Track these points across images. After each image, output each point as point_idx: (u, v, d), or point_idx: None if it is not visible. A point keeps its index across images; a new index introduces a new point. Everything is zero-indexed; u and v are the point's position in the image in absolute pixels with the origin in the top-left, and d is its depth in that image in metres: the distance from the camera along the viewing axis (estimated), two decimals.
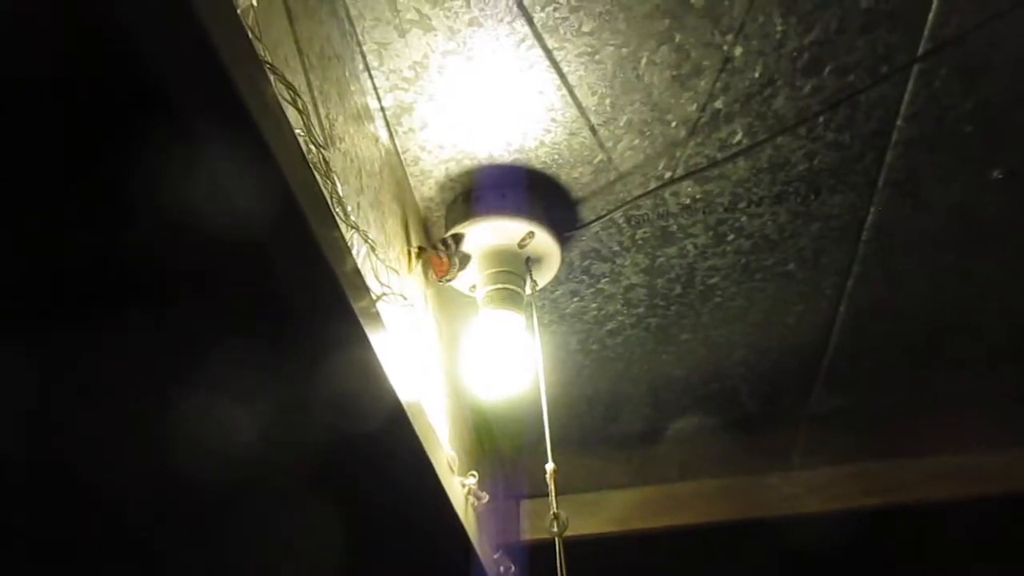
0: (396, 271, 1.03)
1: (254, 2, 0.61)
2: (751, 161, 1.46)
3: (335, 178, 0.78)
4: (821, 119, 1.40)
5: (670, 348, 1.96)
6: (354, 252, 0.84)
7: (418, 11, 1.18)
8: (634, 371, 2.04)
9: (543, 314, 1.80)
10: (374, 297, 0.88)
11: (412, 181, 1.45)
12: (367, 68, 1.25)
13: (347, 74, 1.15)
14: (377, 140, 1.27)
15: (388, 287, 0.93)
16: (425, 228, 1.53)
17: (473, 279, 1.46)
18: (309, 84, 0.95)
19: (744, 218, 1.59)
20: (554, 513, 1.19)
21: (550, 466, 1.25)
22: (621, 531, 2.54)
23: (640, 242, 1.63)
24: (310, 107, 0.93)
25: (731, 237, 1.63)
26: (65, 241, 0.78)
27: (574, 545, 2.56)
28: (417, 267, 1.38)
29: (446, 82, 1.28)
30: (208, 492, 0.99)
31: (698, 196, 1.53)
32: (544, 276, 1.53)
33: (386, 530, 1.22)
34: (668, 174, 1.47)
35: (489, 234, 1.42)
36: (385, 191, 1.26)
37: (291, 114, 0.68)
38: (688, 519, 2.52)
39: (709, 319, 1.87)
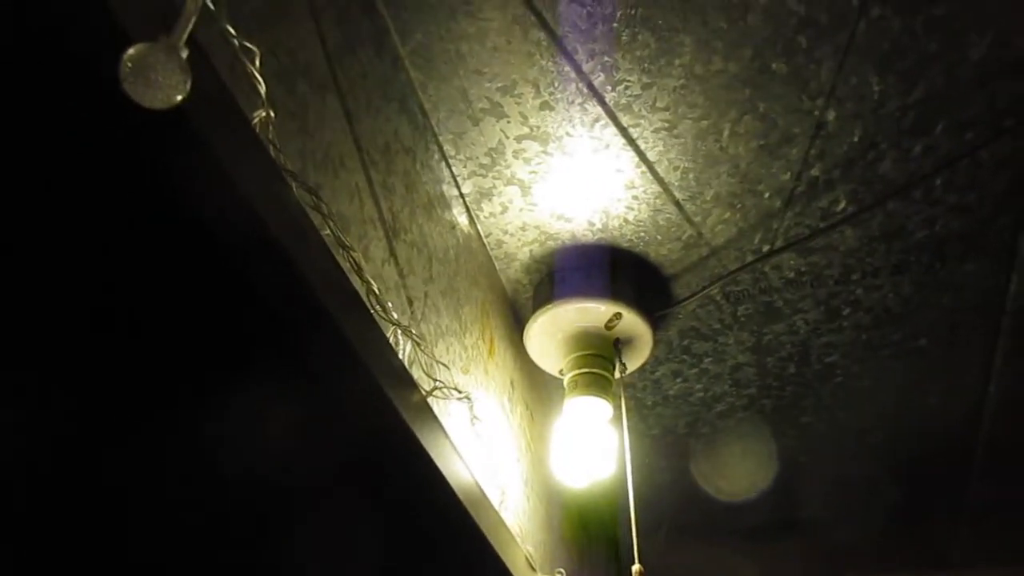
0: (448, 367, 1.01)
1: (271, 113, 0.62)
2: (860, 230, 1.34)
3: (370, 277, 0.78)
4: (938, 180, 1.26)
5: (791, 431, 1.80)
6: (399, 349, 0.83)
7: (489, 100, 1.19)
8: (750, 458, 1.89)
9: (645, 396, 1.71)
10: (424, 392, 0.85)
11: (497, 264, 1.44)
12: (444, 157, 1.27)
13: (418, 166, 1.17)
14: (454, 227, 1.28)
15: (440, 382, 0.91)
16: (514, 310, 1.51)
17: (560, 363, 1.42)
18: (369, 179, 0.97)
19: (860, 290, 1.45)
20: None
21: (636, 567, 1.15)
22: None
23: (743, 319, 1.52)
24: (368, 201, 0.95)
25: (847, 311, 1.49)
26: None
27: None
28: (500, 351, 1.36)
29: (523, 166, 1.27)
30: None
31: (803, 269, 1.41)
32: (636, 359, 1.46)
33: None
34: (766, 247, 1.37)
35: (575, 316, 1.38)
36: (462, 278, 1.25)
37: (316, 218, 0.69)
38: None
39: (832, 400, 1.70)
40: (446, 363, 0.99)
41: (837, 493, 2.01)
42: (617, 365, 1.39)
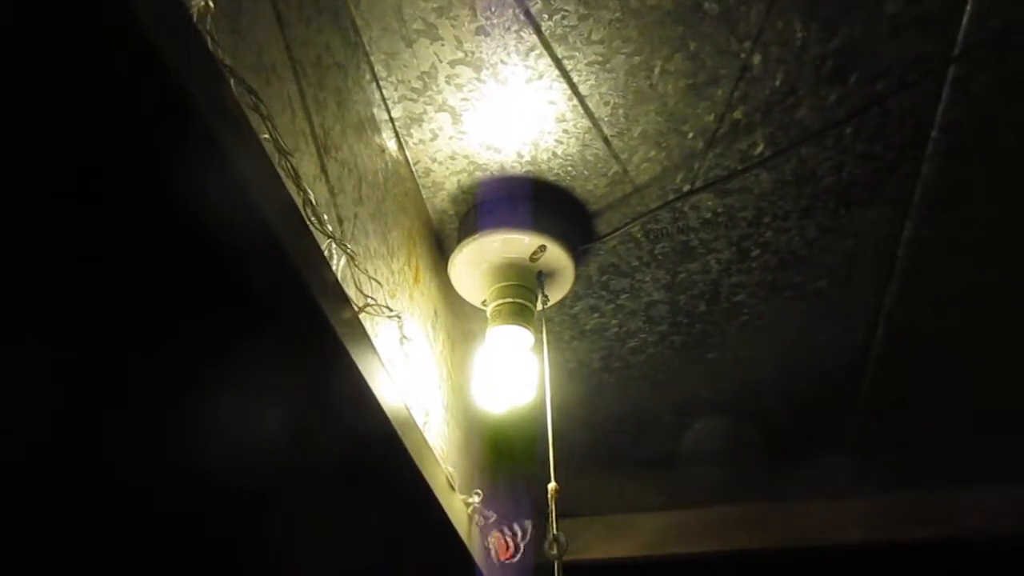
0: (381, 284, 1.00)
1: (211, 4, 0.59)
2: (775, 173, 1.40)
3: (309, 184, 0.76)
4: (848, 129, 1.33)
5: (697, 367, 1.90)
6: (333, 263, 0.82)
7: (424, 20, 1.16)
8: (660, 391, 1.98)
9: (563, 330, 1.76)
10: (356, 308, 0.85)
11: (424, 193, 1.43)
12: (375, 78, 1.24)
13: (350, 84, 1.14)
14: (383, 151, 1.26)
15: (372, 299, 0.91)
16: (438, 240, 1.51)
17: (484, 293, 1.43)
18: (301, 91, 0.94)
19: (769, 233, 1.52)
20: (553, 536, 1.14)
21: (552, 485, 1.20)
22: (652, 555, 2.47)
23: (660, 257, 1.57)
24: (300, 113, 0.92)
25: (756, 252, 1.57)
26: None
27: (603, 569, 2.50)
28: (425, 279, 1.36)
29: (455, 92, 1.26)
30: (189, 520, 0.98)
31: (719, 210, 1.47)
32: (558, 291, 1.49)
33: (385, 552, 1.19)
34: (687, 186, 1.42)
35: (500, 247, 1.39)
36: (390, 202, 1.24)
37: (254, 120, 0.67)
38: (722, 545, 2.43)
39: (736, 338, 1.80)
40: (379, 281, 0.99)
41: (733, 426, 2.14)
42: (539, 297, 1.42)
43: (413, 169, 1.38)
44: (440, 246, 1.51)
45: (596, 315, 1.72)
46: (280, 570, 1.12)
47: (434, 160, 1.37)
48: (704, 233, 1.52)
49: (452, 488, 1.20)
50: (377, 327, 0.96)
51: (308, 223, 0.75)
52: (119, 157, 0.63)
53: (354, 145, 1.11)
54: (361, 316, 0.87)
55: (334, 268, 0.82)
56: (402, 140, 1.33)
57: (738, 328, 1.77)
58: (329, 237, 0.80)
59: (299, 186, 0.74)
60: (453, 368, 1.45)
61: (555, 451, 1.26)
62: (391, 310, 0.98)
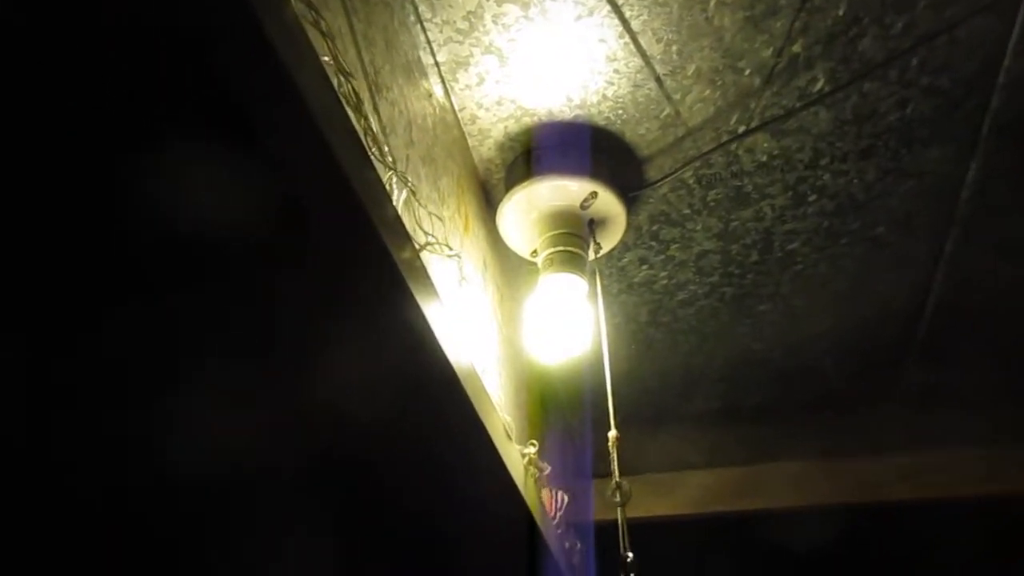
0: (441, 219, 0.97)
1: None
2: (834, 111, 1.34)
3: (368, 113, 0.73)
4: (914, 60, 1.27)
5: (747, 320, 1.85)
6: (393, 197, 0.80)
7: None
8: (709, 345, 1.94)
9: (611, 283, 1.72)
10: (417, 247, 0.83)
11: (470, 141, 1.40)
12: (419, 20, 1.20)
13: (396, 23, 1.10)
14: (431, 95, 1.23)
15: (433, 236, 0.88)
16: (485, 191, 1.48)
17: (534, 243, 1.40)
18: (351, 27, 0.91)
19: (827, 176, 1.47)
20: (616, 483, 1.12)
21: (612, 433, 1.18)
22: (697, 514, 2.45)
23: (712, 204, 1.53)
24: (351, 49, 0.89)
25: (812, 197, 1.51)
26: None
27: (647, 527, 2.48)
28: (474, 229, 1.34)
29: (502, 33, 1.22)
30: (223, 481, 0.97)
31: (775, 152, 1.42)
32: (609, 240, 1.45)
33: (441, 503, 1.18)
34: (741, 127, 1.37)
35: (550, 194, 1.36)
36: (439, 148, 1.21)
37: (315, 38, 0.64)
38: (769, 503, 2.40)
39: (789, 288, 1.75)
40: (440, 216, 0.96)
41: (784, 381, 2.10)
42: (592, 245, 1.38)
43: (459, 116, 1.35)
44: (487, 196, 1.48)
45: (645, 267, 1.68)
46: (335, 513, 1.11)
47: (480, 106, 1.34)
48: (758, 177, 1.47)
49: (509, 438, 1.18)
50: (436, 267, 0.93)
51: (369, 153, 0.72)
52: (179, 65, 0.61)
53: (403, 87, 1.08)
54: (422, 255, 0.84)
55: (394, 203, 0.80)
56: (448, 86, 1.30)
57: (791, 278, 1.72)
58: (390, 169, 0.78)
59: (360, 111, 0.71)
60: (503, 320, 1.43)
61: (614, 398, 1.23)
62: (451, 249, 0.95)
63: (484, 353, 1.20)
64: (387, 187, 0.78)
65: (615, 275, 1.70)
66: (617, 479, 1.12)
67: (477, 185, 1.44)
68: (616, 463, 1.15)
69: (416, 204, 0.87)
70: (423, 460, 1.12)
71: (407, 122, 1.07)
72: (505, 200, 1.38)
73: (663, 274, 1.70)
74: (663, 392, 2.16)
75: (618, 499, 1.10)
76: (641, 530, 2.48)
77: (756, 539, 2.41)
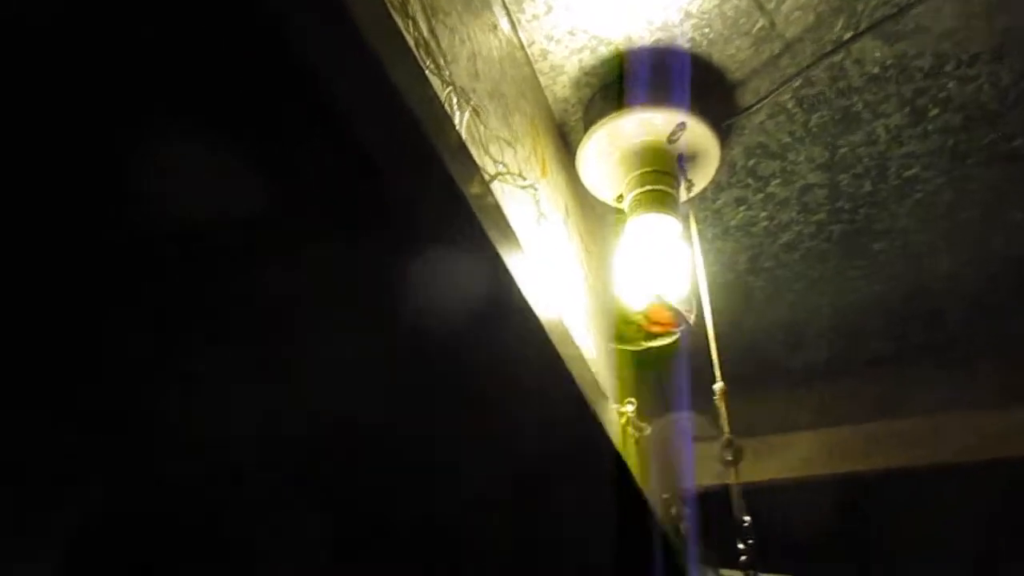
0: (512, 146, 0.87)
1: None
2: (960, 4, 1.16)
3: (424, 31, 0.64)
4: None
5: (860, 261, 1.68)
6: (456, 120, 0.70)
7: None
8: (817, 292, 1.77)
9: (705, 228, 1.58)
10: (486, 176, 0.73)
11: (542, 80, 1.29)
12: None
13: None
14: (495, 28, 1.12)
15: (503, 165, 0.78)
16: (562, 134, 1.37)
17: (619, 187, 1.28)
18: None
19: (952, 84, 1.28)
20: (727, 439, 1.00)
21: (719, 385, 1.06)
22: (808, 477, 2.28)
23: (816, 130, 1.37)
24: None
25: (934, 112, 1.33)
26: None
27: (754, 492, 2.33)
28: (552, 173, 1.23)
29: None
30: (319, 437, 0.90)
31: (888, 61, 1.24)
32: (702, 176, 1.32)
33: (536, 469, 1.09)
34: (848, 33, 1.20)
35: (634, 130, 1.23)
36: (508, 84, 1.10)
37: None
38: (885, 463, 2.21)
39: (908, 221, 1.56)
40: (508, 140, 0.86)
41: (902, 328, 1.91)
42: (683, 182, 1.25)
43: (528, 52, 1.24)
44: (564, 140, 1.37)
45: (743, 208, 1.54)
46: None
47: (551, 38, 1.22)
48: (869, 93, 1.30)
49: (604, 396, 1.08)
50: (511, 206, 0.83)
51: (422, 66, 0.62)
52: None
53: (463, 14, 0.98)
54: (493, 186, 0.74)
55: (456, 127, 0.70)
56: (513, 18, 1.19)
57: (910, 209, 1.54)
58: (448, 84, 0.68)
59: (407, 14, 0.61)
60: (589, 271, 1.32)
61: (717, 347, 1.11)
62: (524, 179, 0.85)
63: (571, 303, 1.10)
64: (447, 108, 0.68)
65: (709, 219, 1.56)
66: (728, 435, 1.00)
67: (553, 127, 1.33)
68: (726, 417, 1.03)
69: (481, 127, 0.77)
70: (517, 423, 1.03)
71: (470, 53, 0.97)
72: (584, 140, 1.26)
73: (763, 214, 1.55)
74: (766, 347, 2.00)
75: (730, 457, 0.98)
76: (746, 496, 2.34)
77: (874, 503, 2.22)
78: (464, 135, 0.69)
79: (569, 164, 1.34)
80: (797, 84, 1.28)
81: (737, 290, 1.76)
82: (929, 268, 1.70)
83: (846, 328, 1.90)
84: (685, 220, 1.24)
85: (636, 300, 1.17)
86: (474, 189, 0.73)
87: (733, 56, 1.24)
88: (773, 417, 2.30)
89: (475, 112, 0.72)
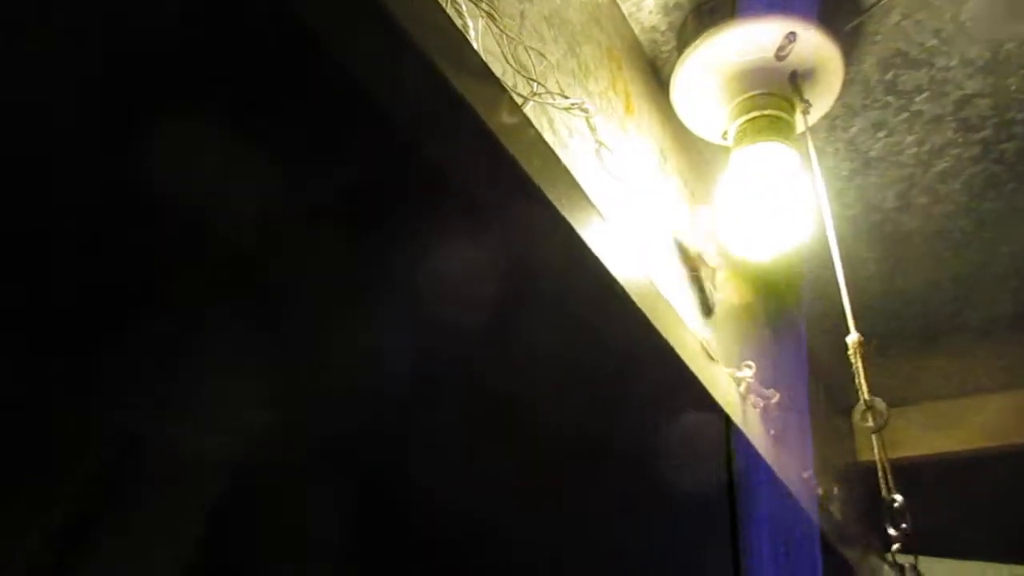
0: (548, 58, 0.73)
1: None
2: None
3: None
4: None
5: None
6: (470, 35, 0.57)
7: None
8: (990, 229, 1.49)
9: (838, 163, 1.36)
10: (518, 97, 0.60)
11: (625, 7, 1.13)
12: None
13: None
14: None
15: (538, 83, 0.64)
16: (655, 69, 1.21)
17: (723, 120, 1.11)
18: None
19: None
20: (865, 402, 0.82)
21: (853, 337, 0.87)
22: (995, 447, 1.96)
23: (970, 24, 1.11)
24: None
25: None
26: None
27: (933, 466, 2.04)
28: (642, 112, 1.07)
29: None
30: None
31: None
32: (824, 96, 1.11)
33: (635, 441, 0.96)
34: None
35: (733, 47, 1.05)
36: (574, 10, 0.96)
37: None
38: None
39: None
40: (544, 52, 0.72)
41: None
42: (799, 104, 1.06)
43: None
44: (658, 75, 1.21)
45: (883, 133, 1.30)
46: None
47: None
48: None
49: (711, 358, 0.92)
50: (573, 143, 0.70)
51: None
52: None
53: None
54: (528, 110, 0.62)
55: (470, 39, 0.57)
56: None
57: None
58: None
59: None
60: (693, 219, 1.15)
61: (857, 306, 0.91)
62: (569, 99, 0.71)
63: (661, 257, 0.95)
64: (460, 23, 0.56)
65: (843, 151, 1.33)
66: (866, 397, 0.81)
67: (641, 60, 1.17)
68: (863, 376, 0.84)
69: (505, 38, 0.63)
70: (601, 395, 0.90)
71: None
72: (676, 69, 1.10)
73: (910, 139, 1.30)
74: (935, 300, 1.72)
75: (871, 422, 0.80)
76: (917, 472, 2.05)
77: None
78: (482, 51, 0.57)
79: (665, 102, 1.17)
80: None
81: (887, 233, 1.51)
82: None
83: None
84: (804, 146, 1.04)
85: (745, 247, 1.00)
86: (504, 118, 0.61)
87: None
88: (949, 380, 2.00)
89: (490, 18, 0.59)
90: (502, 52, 0.60)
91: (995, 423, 1.97)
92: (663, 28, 1.16)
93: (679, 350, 0.83)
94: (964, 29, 1.12)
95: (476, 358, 0.85)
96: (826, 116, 1.25)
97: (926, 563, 1.95)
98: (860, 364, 0.83)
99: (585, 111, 0.71)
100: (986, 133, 1.28)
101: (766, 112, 1.03)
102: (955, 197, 1.42)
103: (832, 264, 1.02)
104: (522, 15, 0.81)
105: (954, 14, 1.10)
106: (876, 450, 0.80)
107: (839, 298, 1.08)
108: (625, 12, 1.14)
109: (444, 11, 0.53)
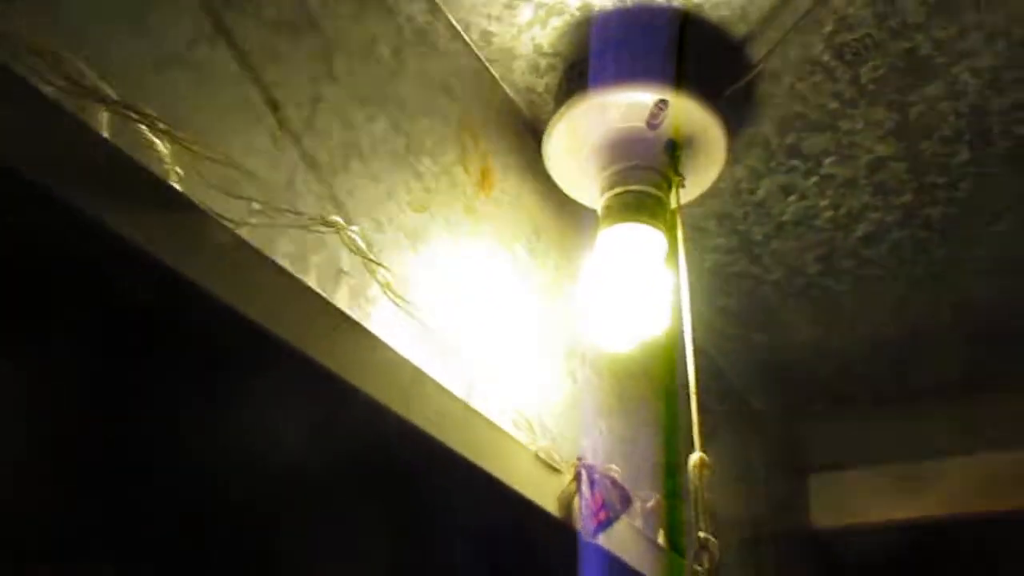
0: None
1: None
2: None
3: None
4: None
5: (976, 248, 1.27)
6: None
7: None
8: (927, 291, 1.38)
9: (751, 227, 1.26)
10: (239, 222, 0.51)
11: (496, 70, 1.04)
12: None
13: None
14: (403, 17, 0.89)
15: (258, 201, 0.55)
16: (534, 130, 1.11)
17: (596, 189, 1.01)
18: None
19: None
20: (699, 539, 0.71)
21: (695, 456, 0.75)
22: (959, 514, 1.83)
23: (872, 87, 1.01)
24: None
25: None
26: None
27: (890, 532, 1.92)
28: (505, 186, 0.99)
29: None
30: None
31: None
32: (707, 168, 1.01)
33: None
34: None
35: (599, 117, 0.96)
36: (409, 83, 0.88)
37: None
38: None
39: None
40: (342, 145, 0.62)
41: None
42: (673, 178, 0.96)
43: (466, 37, 1.00)
44: (534, 131, 1.11)
45: (794, 197, 1.20)
46: None
47: (489, 17, 0.97)
48: (937, 28, 0.94)
49: (553, 468, 0.82)
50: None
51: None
52: None
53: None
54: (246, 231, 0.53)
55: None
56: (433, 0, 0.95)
57: None
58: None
59: None
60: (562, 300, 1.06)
61: (698, 402, 0.81)
62: (297, 215, 0.60)
63: (508, 355, 0.86)
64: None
65: (753, 215, 1.24)
66: (701, 533, 0.71)
67: (520, 127, 1.08)
68: (701, 502, 0.72)
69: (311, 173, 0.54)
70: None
71: (324, 47, 0.75)
72: (546, 137, 1.01)
73: (824, 203, 1.20)
74: (876, 363, 1.61)
75: (702, 566, 0.69)
76: (876, 539, 1.92)
77: None
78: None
79: (543, 168, 1.08)
80: (828, 30, 0.95)
81: (815, 298, 1.41)
82: None
83: (978, 332, 1.48)
84: (674, 218, 0.94)
85: (602, 338, 0.90)
86: (219, 237, 0.52)
87: (731, 5, 0.93)
88: (914, 443, 1.87)
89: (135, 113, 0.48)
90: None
91: (958, 489, 1.84)
92: (540, 89, 1.07)
93: (497, 471, 0.73)
94: (866, 90, 1.02)
95: None
96: (731, 179, 1.16)
97: None
98: (701, 490, 0.73)
99: (333, 225, 0.61)
100: (906, 199, 1.18)
101: (632, 188, 0.93)
102: (882, 262, 1.31)
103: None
104: (317, 100, 0.73)
105: (852, 77, 1.00)
106: None
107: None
108: (498, 75, 1.05)
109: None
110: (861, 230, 1.25)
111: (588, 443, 0.95)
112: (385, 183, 0.77)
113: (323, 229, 0.58)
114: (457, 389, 0.73)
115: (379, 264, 0.65)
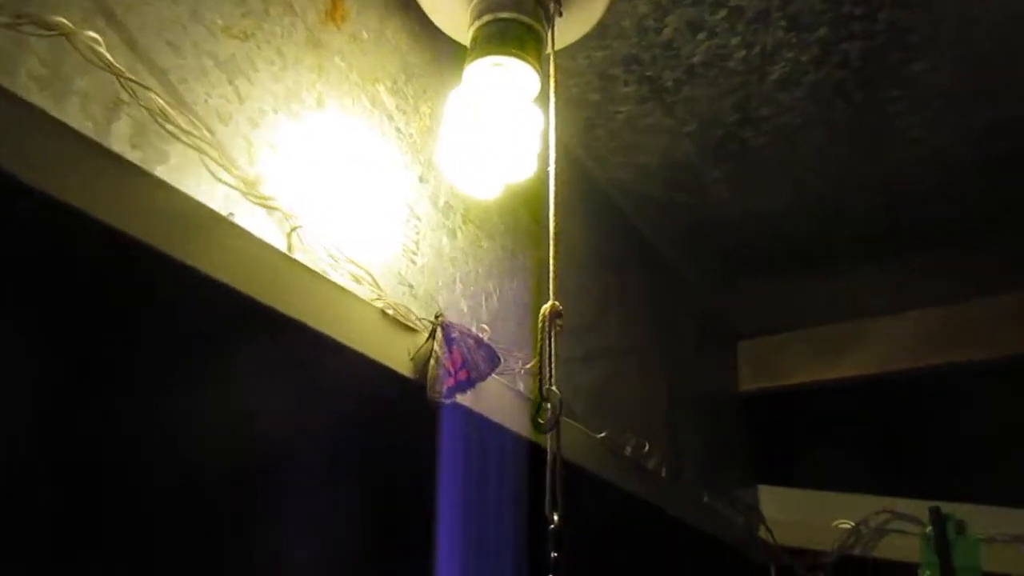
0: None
1: None
2: None
3: None
4: None
5: (896, 90, 1.19)
6: None
7: None
8: (846, 139, 1.30)
9: (661, 72, 1.15)
10: None
11: None
12: None
13: None
14: None
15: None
16: None
17: (467, 20, 0.90)
18: None
19: None
20: (543, 391, 0.65)
21: (548, 305, 0.69)
22: (887, 372, 1.84)
23: None
24: None
25: None
26: None
27: (820, 393, 1.93)
28: (362, 19, 0.87)
29: None
30: None
31: None
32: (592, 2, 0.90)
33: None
34: None
35: None
36: None
37: None
38: (990, 352, 1.71)
39: (957, 21, 1.06)
40: None
41: (984, 180, 1.39)
42: (552, 5, 0.85)
43: None
44: None
45: (703, 36, 1.09)
46: None
47: None
48: None
49: (407, 328, 0.76)
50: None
51: None
52: None
53: None
54: None
55: None
56: None
57: (965, 6, 1.03)
58: None
59: None
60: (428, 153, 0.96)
61: (556, 244, 0.74)
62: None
63: (345, 198, 0.77)
64: None
65: (661, 58, 1.13)
66: (548, 384, 0.65)
67: None
68: (550, 354, 0.67)
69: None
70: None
71: None
72: None
73: (735, 40, 1.10)
74: (799, 222, 1.55)
75: (546, 417, 0.64)
76: (806, 400, 1.94)
77: (969, 401, 1.74)
78: None
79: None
80: None
81: (734, 152, 1.32)
82: (1011, 81, 1.17)
83: (902, 185, 1.42)
84: (547, 55, 0.84)
85: (465, 181, 0.82)
86: None
87: None
88: (834, 304, 1.85)
89: None
90: None
91: (886, 348, 1.84)
92: None
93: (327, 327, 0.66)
94: None
95: None
96: (634, 15, 1.05)
97: (804, 495, 1.87)
98: (548, 341, 0.67)
99: (57, 28, 0.49)
100: (821, 34, 1.08)
101: (501, 16, 0.82)
102: (801, 108, 1.22)
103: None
104: None
105: None
106: (549, 449, 0.64)
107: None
108: None
109: None
110: (776, 72, 1.15)
111: (450, 301, 0.89)
112: (186, 1, 0.66)
113: (40, 32, 0.47)
114: (276, 241, 0.65)
115: (137, 82, 0.54)
